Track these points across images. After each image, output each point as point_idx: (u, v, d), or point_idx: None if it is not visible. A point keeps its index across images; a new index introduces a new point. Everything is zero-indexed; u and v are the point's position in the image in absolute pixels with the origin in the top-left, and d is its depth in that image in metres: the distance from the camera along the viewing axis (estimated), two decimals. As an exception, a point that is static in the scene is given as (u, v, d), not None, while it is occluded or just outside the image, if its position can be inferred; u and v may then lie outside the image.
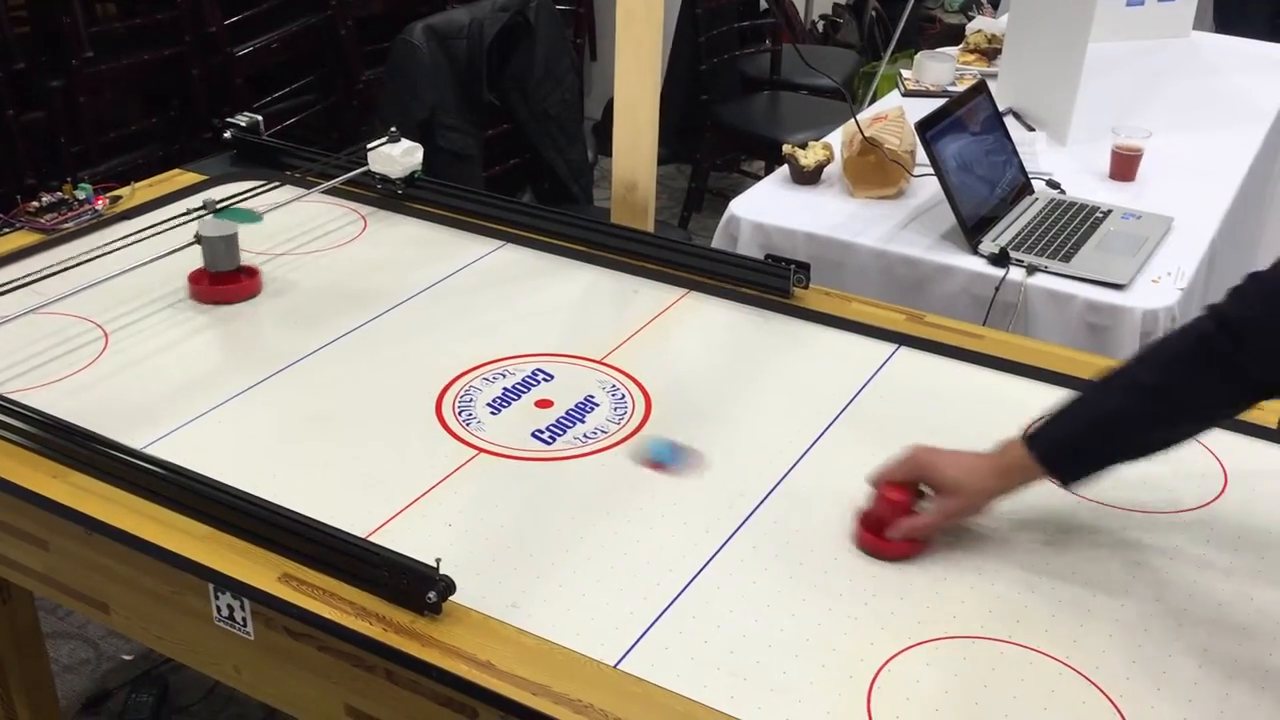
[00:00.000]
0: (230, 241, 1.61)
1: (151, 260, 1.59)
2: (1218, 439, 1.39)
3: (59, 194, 1.81)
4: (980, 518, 1.22)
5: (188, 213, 1.65)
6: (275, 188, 1.83)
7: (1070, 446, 1.17)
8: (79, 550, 1.27)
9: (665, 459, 1.32)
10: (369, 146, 1.86)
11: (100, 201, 1.83)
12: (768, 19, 4.06)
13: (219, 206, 1.63)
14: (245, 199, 1.71)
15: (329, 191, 1.88)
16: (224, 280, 1.61)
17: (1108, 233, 2.10)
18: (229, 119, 2.02)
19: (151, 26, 3.20)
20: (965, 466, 1.20)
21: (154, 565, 1.19)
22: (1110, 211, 2.17)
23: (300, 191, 1.86)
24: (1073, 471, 1.18)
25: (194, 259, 1.62)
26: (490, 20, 2.65)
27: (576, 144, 2.96)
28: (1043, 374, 1.49)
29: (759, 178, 3.87)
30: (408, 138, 1.87)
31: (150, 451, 1.29)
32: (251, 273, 1.64)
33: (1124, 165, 2.33)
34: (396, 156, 1.84)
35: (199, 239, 1.60)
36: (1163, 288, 1.96)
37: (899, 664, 1.07)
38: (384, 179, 1.87)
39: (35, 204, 1.79)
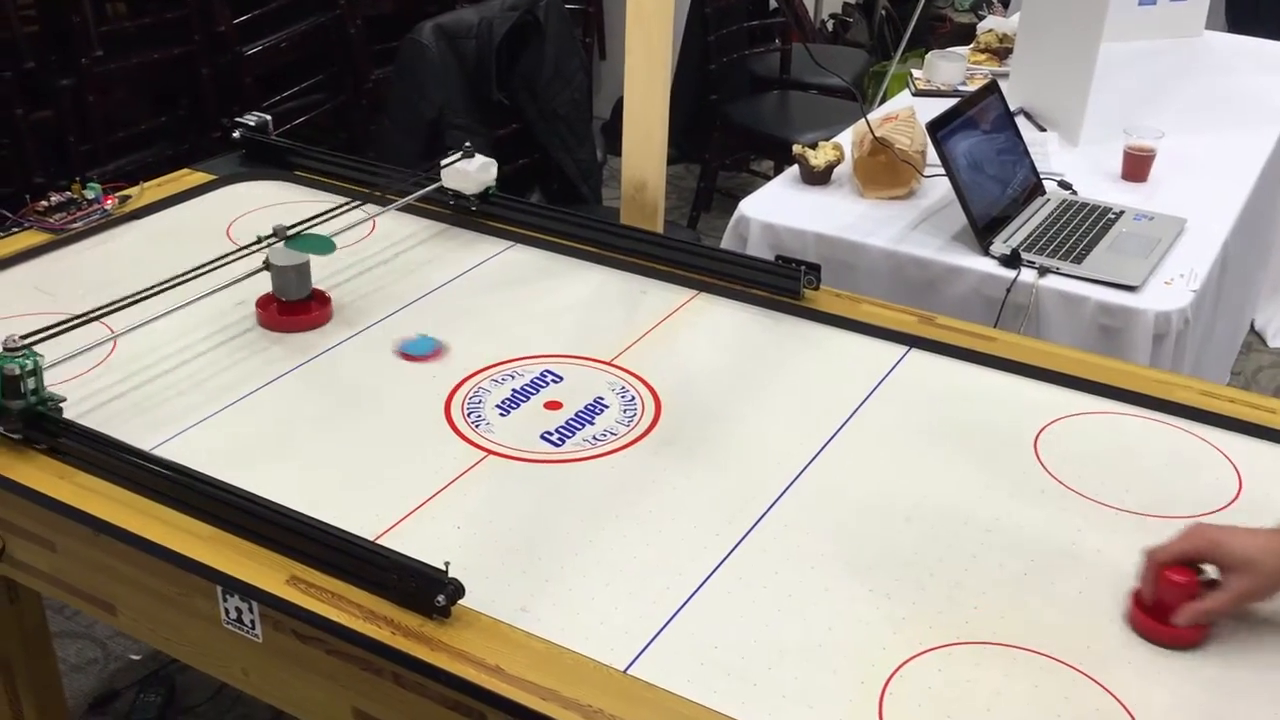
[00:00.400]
0: (303, 270, 1.54)
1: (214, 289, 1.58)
2: (1231, 442, 1.38)
3: (68, 194, 1.81)
4: (1273, 602, 1.11)
5: (258, 240, 1.57)
6: (354, 206, 1.73)
7: None
8: (86, 551, 1.27)
9: (417, 351, 1.44)
10: (443, 163, 1.80)
11: (109, 201, 1.83)
12: (777, 18, 4.05)
13: (290, 233, 1.55)
14: (317, 223, 1.60)
15: (341, 193, 1.87)
16: (294, 310, 1.55)
17: (1120, 234, 2.09)
18: (238, 119, 2.02)
19: (161, 25, 3.20)
20: (1260, 545, 1.08)
21: (161, 567, 1.18)
22: (1123, 212, 2.16)
23: (374, 209, 1.77)
24: None
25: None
26: (499, 20, 2.64)
27: (585, 144, 2.95)
28: (1055, 376, 1.48)
29: (768, 177, 3.87)
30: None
31: (157, 453, 1.28)
32: (324, 300, 1.57)
33: (1136, 166, 2.32)
34: (472, 172, 1.79)
35: (268, 266, 1.54)
36: (1176, 289, 1.95)
37: (912, 670, 1.06)
38: (458, 195, 1.82)
39: (44, 203, 1.79)
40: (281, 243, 1.55)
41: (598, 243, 1.76)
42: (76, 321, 1.42)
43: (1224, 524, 1.13)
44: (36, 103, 2.92)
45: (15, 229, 1.76)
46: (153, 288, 1.49)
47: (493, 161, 1.82)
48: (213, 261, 1.55)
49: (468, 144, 1.82)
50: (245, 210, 1.87)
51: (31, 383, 1.28)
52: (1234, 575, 1.08)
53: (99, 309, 1.45)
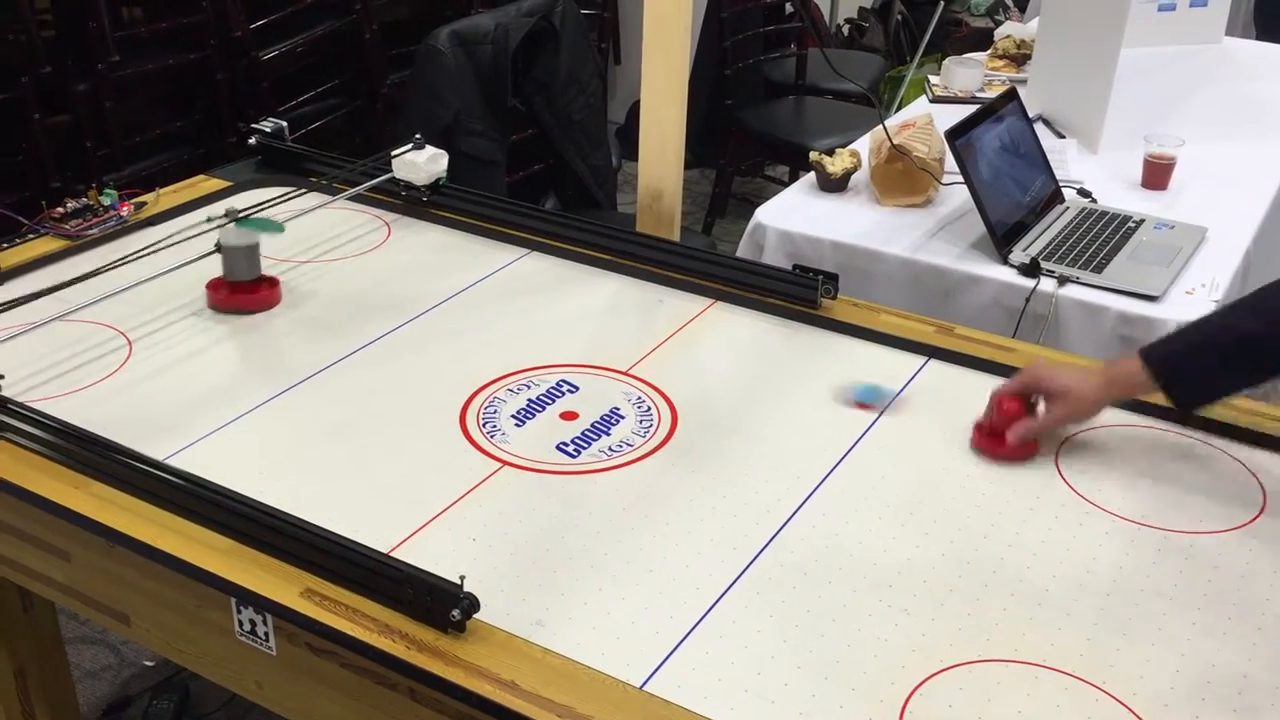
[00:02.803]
0: (251, 251, 1.60)
1: (175, 268, 1.59)
2: (1255, 457, 1.36)
3: (84, 200, 1.81)
4: (1088, 423, 1.36)
5: (208, 220, 1.63)
6: (300, 194, 1.82)
7: (1193, 362, 1.21)
8: (101, 562, 1.26)
9: (869, 399, 1.43)
10: (393, 154, 1.85)
11: (125, 208, 1.82)
12: (793, 23, 4.04)
13: (241, 215, 1.61)
14: (268, 208, 1.69)
15: (354, 199, 1.87)
16: (243, 290, 1.59)
17: (1140, 243, 2.07)
18: (254, 125, 2.02)
19: (177, 30, 3.20)
20: (1076, 375, 1.32)
21: (176, 578, 1.18)
22: (1143, 221, 2.14)
23: (325, 199, 1.85)
24: (1190, 390, 1.24)
25: (216, 266, 1.61)
26: (515, 25, 2.64)
27: (600, 149, 2.94)
28: (1076, 389, 1.46)
29: (783, 183, 3.86)
30: (432, 143, 1.86)
31: (172, 463, 1.28)
32: (272, 283, 1.63)
33: (1157, 174, 2.30)
34: (421, 164, 1.83)
35: (219, 248, 1.59)
36: (1197, 299, 1.93)
37: (931, 687, 1.04)
38: (409, 186, 1.86)
39: (60, 210, 1.78)
40: (232, 224, 1.59)
41: (614, 251, 1.75)
42: (92, 328, 1.42)
43: (1055, 363, 1.40)
44: (53, 108, 2.92)
45: (32, 235, 1.76)
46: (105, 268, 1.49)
47: (443, 153, 1.85)
48: (169, 236, 1.57)
49: (418, 135, 1.85)
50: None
51: None
52: (1055, 402, 1.33)
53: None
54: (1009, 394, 1.35)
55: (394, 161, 1.85)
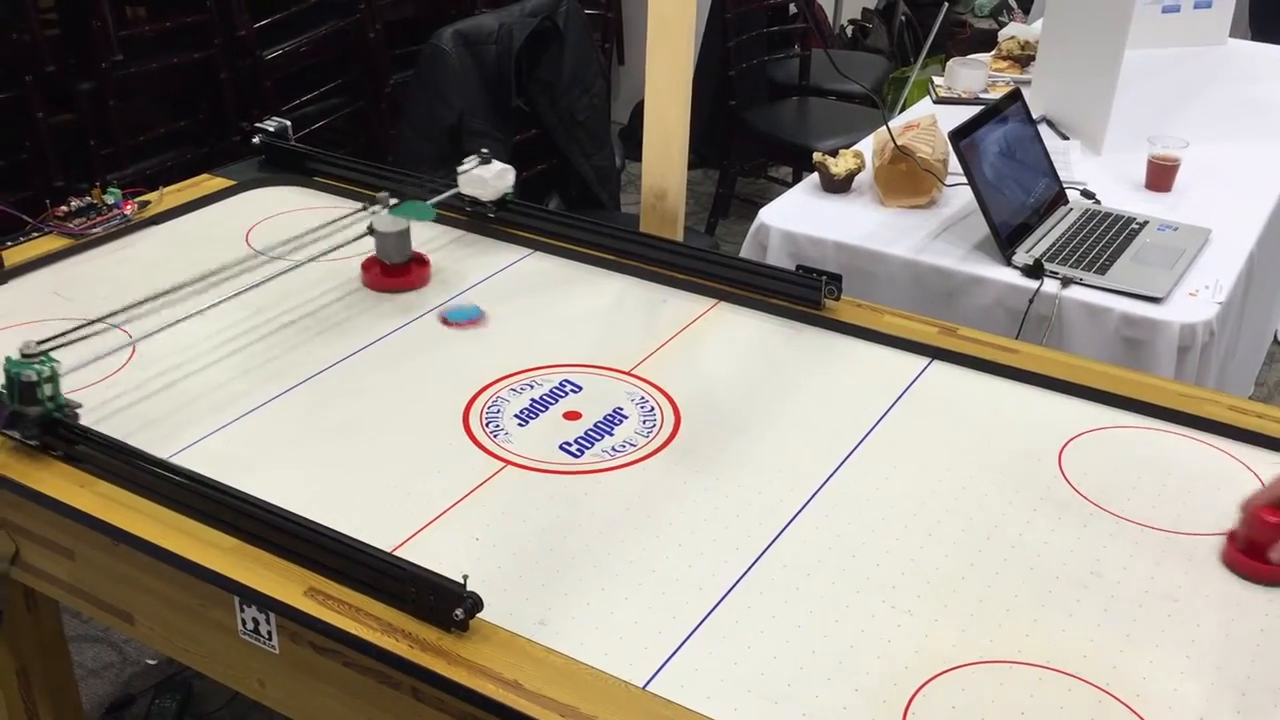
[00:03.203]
0: (402, 236, 1.68)
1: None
2: (1260, 458, 1.36)
3: (88, 199, 1.81)
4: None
5: (364, 208, 1.71)
6: (364, 210, 1.75)
7: None
8: (105, 560, 1.26)
9: (458, 318, 1.46)
10: (459, 169, 1.81)
11: (129, 206, 1.83)
12: (797, 24, 4.04)
13: (393, 203, 1.68)
14: (337, 229, 1.69)
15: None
16: (395, 272, 1.68)
17: (1144, 244, 2.07)
18: (258, 124, 2.02)
19: (181, 30, 3.20)
20: None
21: (179, 577, 1.18)
22: (1146, 223, 2.14)
23: (354, 206, 1.78)
24: None
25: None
26: (519, 25, 2.64)
27: (604, 149, 2.94)
28: (1080, 390, 1.46)
29: (786, 184, 3.86)
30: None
31: (176, 461, 1.28)
32: (421, 262, 1.70)
33: (1160, 175, 2.30)
34: (489, 179, 1.79)
35: (372, 231, 1.67)
36: (1201, 301, 1.93)
37: (935, 688, 1.04)
38: (474, 201, 1.82)
39: (64, 209, 1.79)
40: (385, 210, 1.67)
41: (618, 251, 1.75)
42: (96, 327, 1.42)
43: None
44: (57, 106, 2.93)
45: (35, 234, 1.76)
46: (169, 291, 1.49)
47: (510, 168, 1.82)
48: (227, 267, 1.56)
49: (484, 150, 1.82)
50: (264, 215, 1.86)
51: (48, 389, 1.27)
52: None
53: (116, 312, 1.45)
54: (1267, 504, 1.18)
55: (460, 177, 1.81)
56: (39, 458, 1.29)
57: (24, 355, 1.27)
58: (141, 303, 1.47)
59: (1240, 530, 1.20)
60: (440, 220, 1.85)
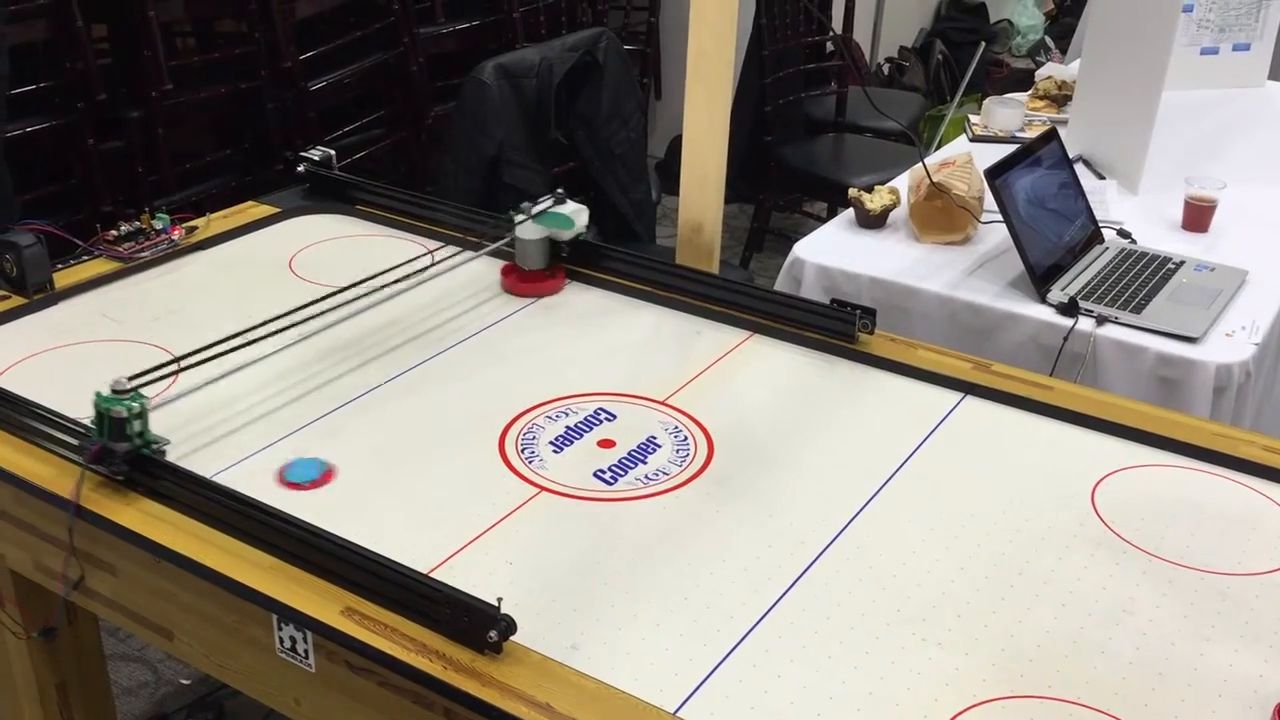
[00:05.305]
0: (541, 244, 1.77)
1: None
2: (1295, 500, 1.35)
3: (136, 224, 1.85)
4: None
5: (508, 218, 1.79)
6: (453, 251, 1.83)
7: None
8: (146, 576, 1.29)
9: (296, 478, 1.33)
10: (534, 210, 1.79)
11: (176, 232, 1.87)
12: (834, 61, 4.07)
13: (535, 212, 1.78)
14: (404, 268, 1.72)
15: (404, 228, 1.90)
16: (533, 278, 1.78)
17: (1180, 284, 2.06)
18: (302, 153, 2.06)
19: (229, 61, 3.28)
20: None
21: (219, 594, 1.20)
22: (1183, 263, 2.13)
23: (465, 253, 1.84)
24: None
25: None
26: (560, 60, 2.68)
27: (640, 182, 2.97)
28: (1114, 428, 1.46)
29: (820, 219, 3.88)
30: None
31: (218, 481, 1.30)
32: (555, 272, 1.79)
33: (1197, 216, 2.29)
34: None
35: (515, 240, 1.77)
36: (1237, 342, 1.92)
37: (964, 722, 1.05)
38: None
39: (113, 233, 1.83)
40: (529, 220, 1.78)
41: (654, 282, 1.77)
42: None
43: None
44: (107, 133, 2.99)
45: (85, 257, 1.81)
46: (250, 330, 1.52)
47: (584, 209, 1.81)
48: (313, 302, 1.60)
49: (560, 190, 1.84)
50: (308, 243, 1.90)
51: (137, 425, 1.28)
52: None
53: (208, 346, 1.46)
54: None
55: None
56: (124, 493, 1.29)
57: (115, 392, 1.27)
58: (212, 344, 1.47)
59: None
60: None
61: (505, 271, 1.80)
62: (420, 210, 1.96)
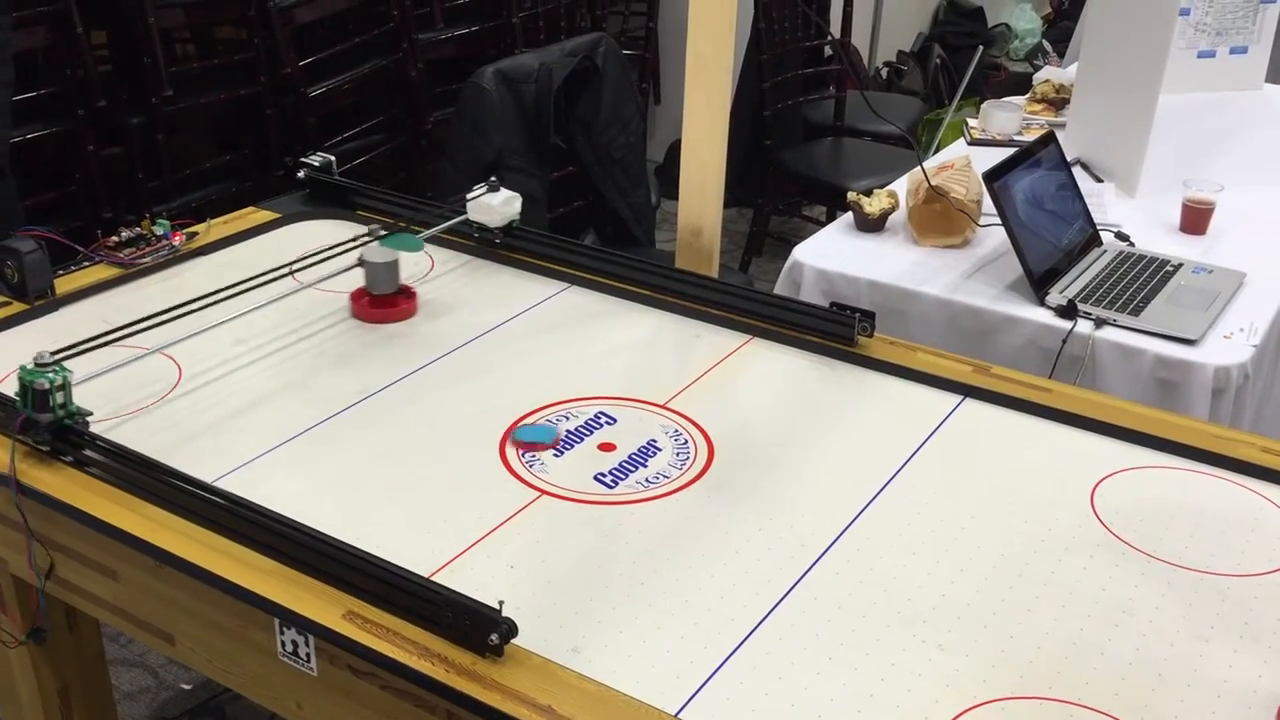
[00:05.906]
0: (391, 267, 1.72)
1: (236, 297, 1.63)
2: (1294, 501, 1.36)
3: (137, 230, 1.86)
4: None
5: (354, 239, 1.77)
6: (380, 236, 1.82)
7: None
8: (148, 581, 1.29)
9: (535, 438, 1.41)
10: (469, 196, 1.87)
11: (177, 238, 1.87)
12: (832, 66, 4.08)
13: (383, 234, 1.76)
14: (339, 252, 1.75)
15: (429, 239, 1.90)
16: (384, 303, 1.71)
17: (1178, 287, 2.07)
18: (303, 159, 2.06)
19: (229, 67, 3.28)
20: None
21: (221, 598, 1.20)
22: (1181, 265, 2.14)
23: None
24: None
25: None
26: (559, 65, 2.68)
27: (640, 187, 2.98)
28: (1113, 430, 1.47)
29: (819, 222, 3.88)
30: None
31: (219, 485, 1.31)
32: (409, 295, 1.73)
33: (1195, 218, 2.30)
34: (496, 206, 1.84)
35: (362, 263, 1.71)
36: (1235, 344, 1.92)
37: (964, 723, 1.05)
38: (482, 228, 1.87)
39: (114, 239, 1.83)
40: (375, 242, 1.74)
41: (653, 286, 1.78)
42: (138, 350, 1.45)
43: None
44: (107, 140, 3.00)
45: (86, 263, 1.81)
46: (203, 299, 1.55)
47: (516, 195, 1.88)
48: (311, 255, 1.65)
49: (493, 178, 1.87)
50: (308, 248, 1.90)
51: (60, 397, 1.33)
52: None
53: (129, 325, 1.50)
54: None
55: (469, 204, 1.87)
56: (87, 481, 1.32)
57: (37, 365, 1.33)
58: (175, 318, 1.52)
59: None
60: (479, 254, 1.88)
61: (355, 297, 1.72)
62: (419, 214, 1.96)
